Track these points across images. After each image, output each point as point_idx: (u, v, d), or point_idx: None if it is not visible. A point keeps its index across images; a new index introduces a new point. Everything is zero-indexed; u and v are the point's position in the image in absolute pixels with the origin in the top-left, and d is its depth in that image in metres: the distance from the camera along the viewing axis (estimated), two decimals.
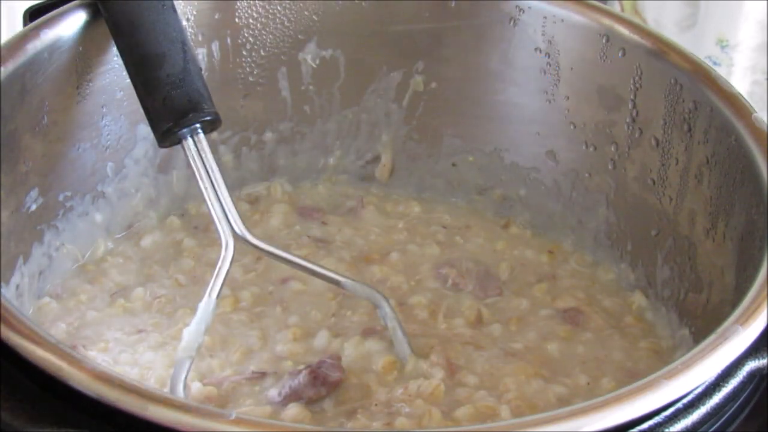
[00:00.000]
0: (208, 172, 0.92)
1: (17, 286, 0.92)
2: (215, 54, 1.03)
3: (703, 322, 0.92)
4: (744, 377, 0.75)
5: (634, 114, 0.99)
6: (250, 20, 1.03)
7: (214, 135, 0.97)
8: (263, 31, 1.04)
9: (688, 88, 0.94)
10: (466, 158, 1.09)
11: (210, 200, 0.92)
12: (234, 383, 0.89)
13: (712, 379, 0.73)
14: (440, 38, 1.05)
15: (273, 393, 0.87)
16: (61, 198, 0.96)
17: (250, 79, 1.05)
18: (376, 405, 0.88)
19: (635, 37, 0.98)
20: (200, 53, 1.01)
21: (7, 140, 0.88)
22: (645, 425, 0.70)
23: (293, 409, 0.86)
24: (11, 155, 0.89)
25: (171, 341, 0.92)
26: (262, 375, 0.89)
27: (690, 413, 0.72)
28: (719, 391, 0.74)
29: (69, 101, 0.94)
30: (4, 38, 0.91)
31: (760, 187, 0.85)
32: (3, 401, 0.70)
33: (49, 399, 0.70)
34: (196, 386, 0.87)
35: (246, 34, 1.03)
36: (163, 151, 1.00)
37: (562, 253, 1.06)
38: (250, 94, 1.06)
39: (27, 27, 0.92)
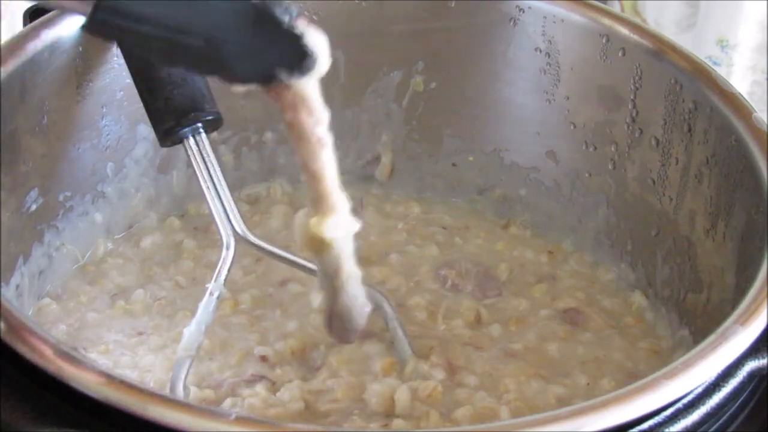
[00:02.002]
0: (209, 171, 0.92)
1: (17, 286, 0.92)
2: None
3: (703, 322, 0.92)
4: (744, 377, 0.75)
5: (634, 114, 0.99)
6: None
7: (214, 135, 0.96)
8: None
9: (688, 88, 0.94)
10: (466, 158, 1.09)
11: (211, 200, 0.92)
12: (232, 384, 0.89)
13: (712, 379, 0.74)
14: (440, 38, 1.05)
15: None
16: (61, 198, 0.96)
17: None
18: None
19: (635, 37, 0.98)
20: None
21: (7, 140, 0.88)
22: (645, 425, 0.70)
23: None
24: (11, 155, 0.89)
25: (171, 344, 0.91)
26: (261, 377, 0.89)
27: (690, 413, 0.72)
28: (719, 391, 0.74)
29: (69, 101, 0.94)
30: (4, 38, 0.91)
31: (760, 187, 0.85)
32: (3, 401, 0.70)
33: (49, 399, 0.70)
34: (193, 390, 0.87)
35: None
36: (163, 151, 1.00)
37: (561, 254, 1.05)
38: (251, 94, 1.05)
39: (27, 27, 0.92)
